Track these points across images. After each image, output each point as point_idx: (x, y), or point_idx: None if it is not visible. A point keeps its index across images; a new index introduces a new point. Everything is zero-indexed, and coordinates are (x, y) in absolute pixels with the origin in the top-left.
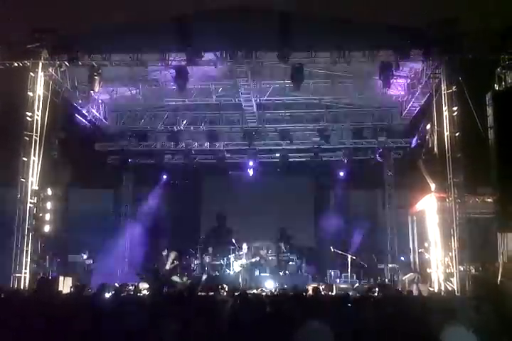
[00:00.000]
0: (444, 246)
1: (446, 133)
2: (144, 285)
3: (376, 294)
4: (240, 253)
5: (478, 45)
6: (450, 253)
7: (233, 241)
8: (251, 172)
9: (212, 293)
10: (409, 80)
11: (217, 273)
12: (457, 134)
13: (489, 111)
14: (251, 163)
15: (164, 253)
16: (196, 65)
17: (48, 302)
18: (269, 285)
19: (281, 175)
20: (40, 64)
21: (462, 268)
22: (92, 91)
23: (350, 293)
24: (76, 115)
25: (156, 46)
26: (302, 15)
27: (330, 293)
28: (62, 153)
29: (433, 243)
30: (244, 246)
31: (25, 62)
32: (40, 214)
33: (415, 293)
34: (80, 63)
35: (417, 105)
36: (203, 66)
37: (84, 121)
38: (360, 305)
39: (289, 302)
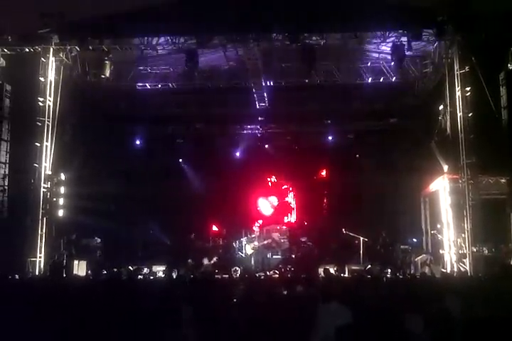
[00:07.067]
0: (457, 227)
1: (459, 114)
2: (158, 268)
3: (388, 275)
4: (252, 236)
5: (491, 24)
6: (463, 235)
7: None
8: None
9: (225, 276)
10: (421, 60)
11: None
12: (470, 115)
13: (502, 91)
14: None
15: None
16: (206, 48)
17: (61, 285)
18: None
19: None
20: (51, 49)
21: (475, 249)
22: (102, 76)
23: (363, 275)
24: (89, 99)
25: (166, 30)
26: None
27: (342, 274)
28: (75, 137)
29: (445, 224)
30: (256, 228)
31: (36, 47)
32: (54, 199)
33: (428, 274)
34: (90, 48)
35: (430, 86)
36: (213, 49)
37: (97, 105)
38: (373, 287)
39: (302, 284)
